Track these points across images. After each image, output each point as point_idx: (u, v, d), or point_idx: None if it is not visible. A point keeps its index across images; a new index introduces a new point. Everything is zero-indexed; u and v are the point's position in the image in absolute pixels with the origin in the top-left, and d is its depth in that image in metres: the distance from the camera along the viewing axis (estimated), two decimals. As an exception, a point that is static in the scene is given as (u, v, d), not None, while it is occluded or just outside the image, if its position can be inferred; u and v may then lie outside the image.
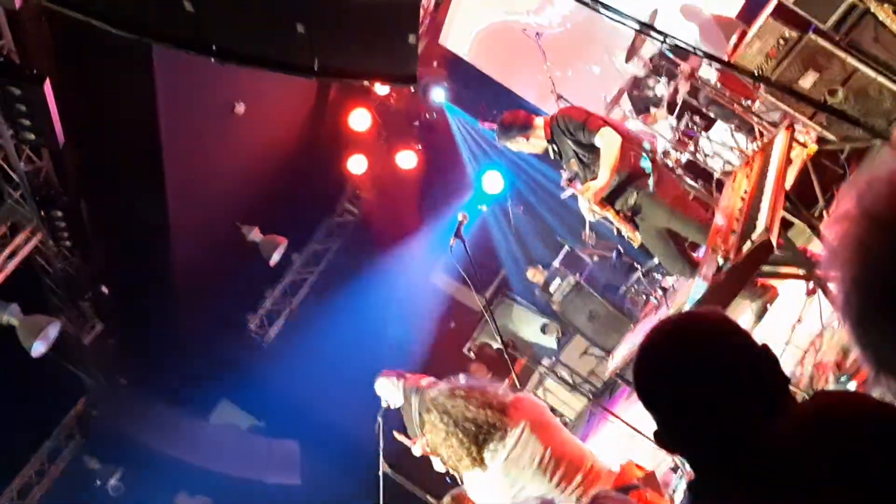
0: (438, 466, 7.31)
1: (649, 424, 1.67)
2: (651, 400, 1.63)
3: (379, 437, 7.22)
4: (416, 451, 7.17)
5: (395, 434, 7.13)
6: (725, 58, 5.96)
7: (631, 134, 5.90)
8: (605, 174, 5.47)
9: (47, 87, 5.97)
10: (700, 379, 1.56)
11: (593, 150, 5.63)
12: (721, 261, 3.65)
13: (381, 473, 7.18)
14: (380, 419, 7.23)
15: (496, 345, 11.03)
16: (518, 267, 10.80)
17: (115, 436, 11.84)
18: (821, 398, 1.70)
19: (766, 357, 1.58)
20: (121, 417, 11.64)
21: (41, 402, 10.60)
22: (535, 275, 10.30)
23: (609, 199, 5.63)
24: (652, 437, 1.66)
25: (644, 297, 8.62)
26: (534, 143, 5.92)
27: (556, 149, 5.90)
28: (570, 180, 5.71)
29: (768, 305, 5.47)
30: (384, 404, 7.29)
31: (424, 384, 7.36)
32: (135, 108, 7.45)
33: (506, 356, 5.19)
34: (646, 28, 4.86)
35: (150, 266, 9.45)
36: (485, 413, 3.86)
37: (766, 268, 3.78)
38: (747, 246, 3.52)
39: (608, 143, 5.48)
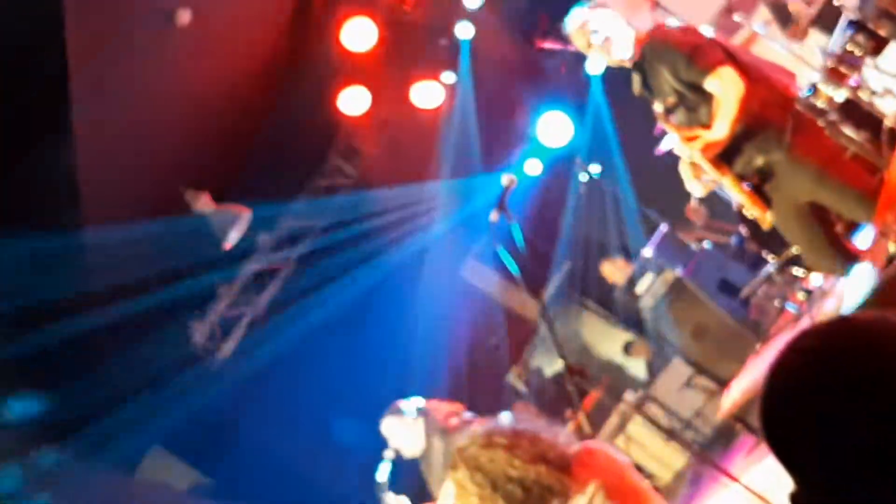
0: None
1: (784, 489, 1.67)
2: (788, 451, 1.63)
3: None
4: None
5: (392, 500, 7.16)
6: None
7: (762, 71, 5.89)
8: (723, 127, 5.50)
9: None
10: (866, 420, 1.54)
11: (700, 92, 5.65)
12: (894, 248, 3.64)
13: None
14: (381, 477, 7.28)
15: (555, 370, 11.09)
16: (591, 257, 10.79)
17: (-5, 497, 11.98)
18: None
19: None
20: (3, 469, 11.76)
21: None
22: (614, 270, 10.31)
23: (726, 158, 5.65)
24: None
25: (777, 303, 8.59)
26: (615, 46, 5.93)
27: (642, 79, 5.93)
28: (669, 112, 5.73)
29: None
30: (389, 454, 7.34)
31: (454, 424, 7.42)
32: (32, 17, 7.49)
33: (570, 388, 5.19)
34: None
35: (49, 251, 9.51)
36: (536, 471, 3.88)
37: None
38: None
39: (727, 90, 5.53)
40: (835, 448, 1.57)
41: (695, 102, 5.70)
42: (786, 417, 1.63)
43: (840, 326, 1.67)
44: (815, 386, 1.60)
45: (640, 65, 5.91)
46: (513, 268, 5.49)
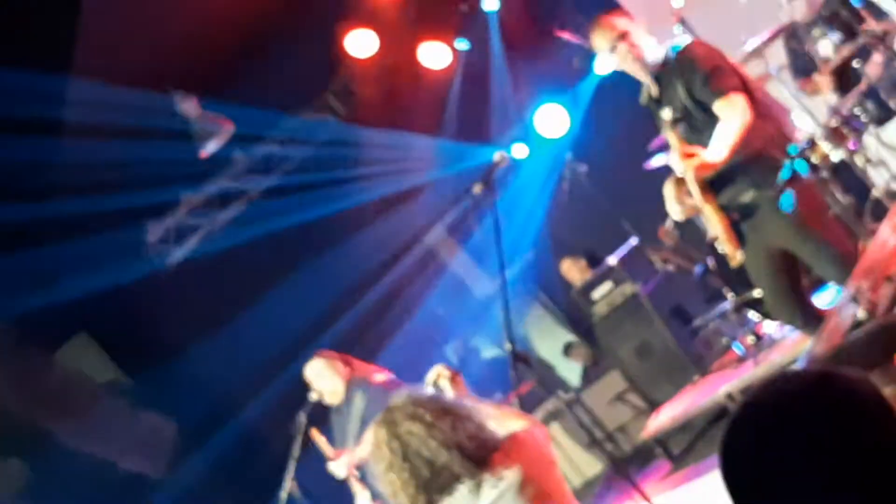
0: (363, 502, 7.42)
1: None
2: (736, 486, 1.63)
3: (294, 443, 7.28)
4: (339, 471, 7.27)
5: (314, 434, 7.22)
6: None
7: (772, 110, 5.89)
8: (719, 152, 5.47)
9: None
10: (858, 474, 1.56)
11: (709, 114, 5.63)
12: (862, 315, 3.65)
13: (284, 495, 7.24)
14: (302, 417, 7.30)
15: (493, 353, 11.12)
16: (554, 252, 10.79)
17: None
18: None
19: None
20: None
21: None
22: (574, 270, 10.33)
23: (715, 186, 5.63)
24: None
25: (725, 341, 8.64)
26: (633, 61, 5.92)
27: (656, 91, 5.91)
28: (676, 122, 5.70)
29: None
30: (313, 396, 7.38)
31: (379, 381, 7.44)
32: None
33: (512, 372, 5.20)
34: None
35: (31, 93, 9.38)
36: (448, 456, 3.84)
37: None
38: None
39: (733, 118, 5.48)
40: (781, 495, 1.58)
41: (701, 123, 5.66)
42: (743, 453, 1.64)
43: (828, 379, 1.68)
44: (779, 433, 1.61)
45: (658, 74, 5.88)
46: (482, 242, 5.50)
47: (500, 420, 4.24)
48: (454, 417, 3.91)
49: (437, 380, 4.49)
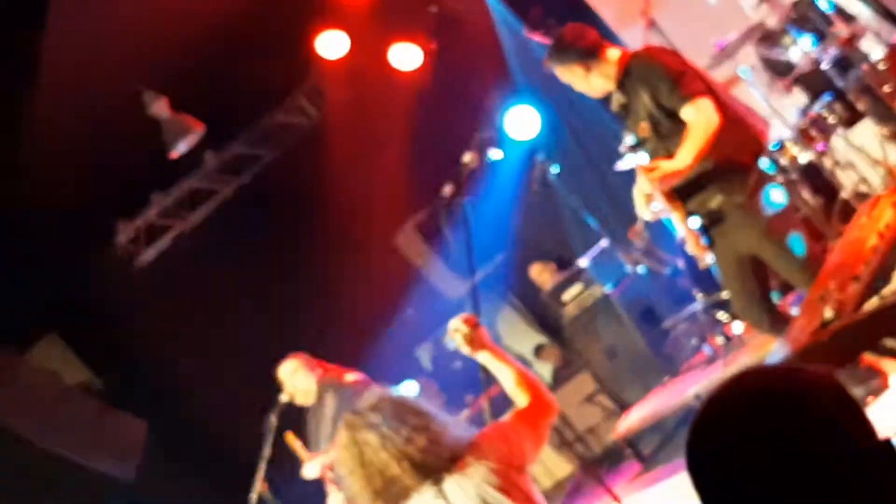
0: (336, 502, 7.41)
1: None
2: (719, 487, 1.63)
3: (265, 444, 7.27)
4: (311, 472, 7.26)
5: (288, 437, 7.21)
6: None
7: (739, 114, 5.89)
8: (685, 158, 5.43)
9: None
10: (823, 469, 1.57)
11: (676, 120, 5.62)
12: (830, 314, 3.66)
13: (254, 496, 7.23)
14: (273, 418, 7.29)
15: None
16: (525, 254, 10.80)
17: None
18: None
19: (886, 458, 1.59)
20: None
21: None
22: (542, 272, 10.34)
23: (681, 193, 5.62)
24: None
25: (695, 341, 8.67)
26: (593, 81, 5.92)
27: (623, 100, 5.90)
28: (634, 147, 5.70)
29: (872, 398, 5.51)
30: (284, 398, 7.37)
31: (350, 381, 7.44)
32: None
33: (483, 373, 5.19)
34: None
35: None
36: (399, 467, 3.84)
37: (888, 341, 3.78)
38: (873, 303, 3.52)
39: (702, 122, 5.43)
40: (745, 492, 1.60)
41: (668, 130, 5.61)
42: (709, 449, 1.65)
43: (791, 376, 1.69)
44: (744, 429, 1.62)
45: (622, 83, 5.85)
46: (453, 244, 5.49)
47: (517, 388, 4.27)
48: (410, 428, 3.89)
49: (452, 334, 4.39)
